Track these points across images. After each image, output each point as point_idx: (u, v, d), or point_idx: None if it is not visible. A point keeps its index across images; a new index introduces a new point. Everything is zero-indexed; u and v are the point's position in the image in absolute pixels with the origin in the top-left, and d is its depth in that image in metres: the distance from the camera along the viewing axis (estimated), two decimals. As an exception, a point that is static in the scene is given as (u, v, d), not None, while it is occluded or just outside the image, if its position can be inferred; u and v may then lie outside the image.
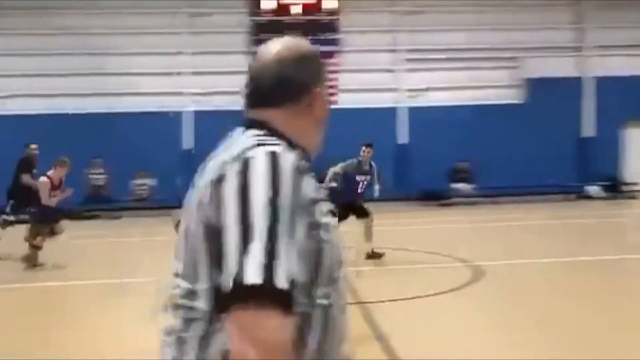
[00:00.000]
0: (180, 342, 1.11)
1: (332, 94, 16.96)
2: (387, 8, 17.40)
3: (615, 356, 4.18)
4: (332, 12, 17.23)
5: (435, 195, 15.22)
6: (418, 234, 10.75)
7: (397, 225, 11.29)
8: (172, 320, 1.15)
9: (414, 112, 17.11)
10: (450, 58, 17.47)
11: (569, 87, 17.43)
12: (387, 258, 8.19)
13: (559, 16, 17.78)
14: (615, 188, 17.06)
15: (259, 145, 1.10)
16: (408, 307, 5.79)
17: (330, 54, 17.22)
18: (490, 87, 17.60)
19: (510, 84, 17.75)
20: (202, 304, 1.09)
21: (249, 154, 1.07)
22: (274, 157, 1.06)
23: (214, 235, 1.05)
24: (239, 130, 1.21)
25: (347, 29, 17.21)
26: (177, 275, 1.16)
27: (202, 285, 1.09)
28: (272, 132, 1.18)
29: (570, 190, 16.70)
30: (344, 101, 16.88)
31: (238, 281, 0.96)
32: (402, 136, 16.48)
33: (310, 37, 17.10)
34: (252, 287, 0.95)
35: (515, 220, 11.90)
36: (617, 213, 14.31)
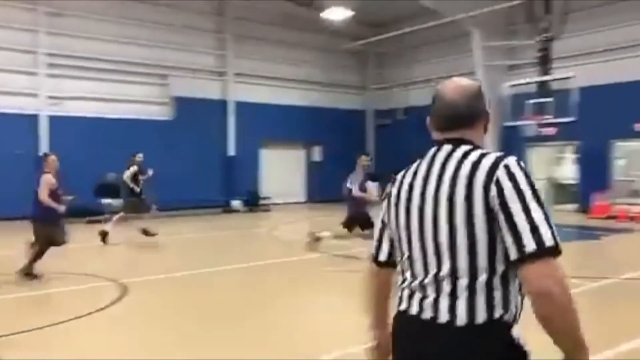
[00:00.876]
0: (471, 299, 1.60)
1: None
2: (24, 4, 15.65)
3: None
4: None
5: (83, 212, 14.21)
6: (71, 254, 9.72)
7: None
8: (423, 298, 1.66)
9: (56, 121, 15.76)
10: (98, 68, 16.74)
11: (215, 108, 18.73)
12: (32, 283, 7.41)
13: (205, 41, 18.95)
14: (254, 202, 19.04)
15: (504, 157, 1.64)
16: (47, 336, 5.23)
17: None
18: (139, 102, 17.54)
19: (160, 100, 18.02)
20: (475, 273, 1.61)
21: (506, 163, 1.62)
22: (520, 163, 1.63)
23: (494, 221, 1.58)
24: (447, 147, 1.74)
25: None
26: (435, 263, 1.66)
27: (461, 264, 1.61)
28: (474, 145, 1.73)
29: (218, 204, 17.90)
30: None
31: (541, 244, 1.51)
32: (44, 147, 14.94)
33: None
34: (550, 248, 1.52)
35: (166, 235, 11.99)
36: (254, 224, 15.90)
